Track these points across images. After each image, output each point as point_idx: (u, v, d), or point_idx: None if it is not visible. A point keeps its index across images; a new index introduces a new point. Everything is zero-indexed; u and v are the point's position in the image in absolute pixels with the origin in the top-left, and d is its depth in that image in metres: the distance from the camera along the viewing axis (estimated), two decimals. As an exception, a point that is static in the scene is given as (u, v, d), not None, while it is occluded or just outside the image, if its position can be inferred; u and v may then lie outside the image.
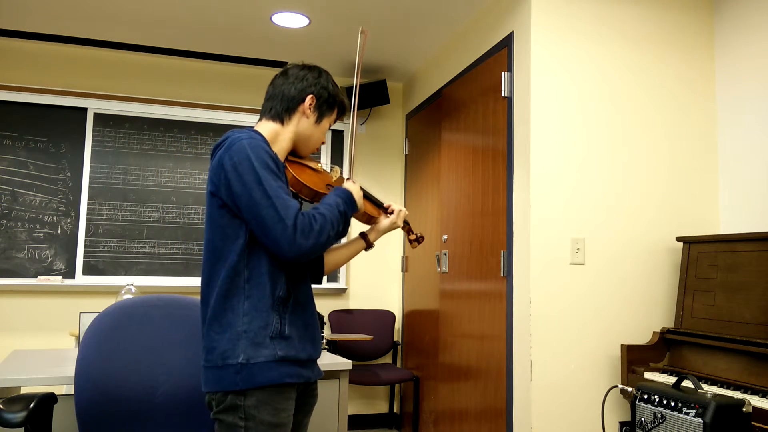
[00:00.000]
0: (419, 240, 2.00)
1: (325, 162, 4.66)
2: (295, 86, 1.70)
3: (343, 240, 1.87)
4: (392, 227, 1.88)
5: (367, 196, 1.87)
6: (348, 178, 1.79)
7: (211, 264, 1.56)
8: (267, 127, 1.69)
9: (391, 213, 1.89)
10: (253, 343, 1.50)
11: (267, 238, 1.48)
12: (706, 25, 3.23)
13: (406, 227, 1.99)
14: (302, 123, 1.71)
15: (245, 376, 1.49)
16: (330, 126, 1.79)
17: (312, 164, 1.78)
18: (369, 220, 1.85)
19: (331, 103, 1.75)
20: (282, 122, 1.69)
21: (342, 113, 1.81)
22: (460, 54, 3.79)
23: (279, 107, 1.70)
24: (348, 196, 1.66)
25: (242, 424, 1.49)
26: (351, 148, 1.88)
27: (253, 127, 1.69)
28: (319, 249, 1.53)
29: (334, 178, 1.81)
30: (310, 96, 1.70)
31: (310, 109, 1.70)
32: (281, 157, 1.70)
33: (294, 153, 1.76)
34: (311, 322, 1.66)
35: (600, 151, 3.00)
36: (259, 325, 1.52)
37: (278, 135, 1.69)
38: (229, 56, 4.43)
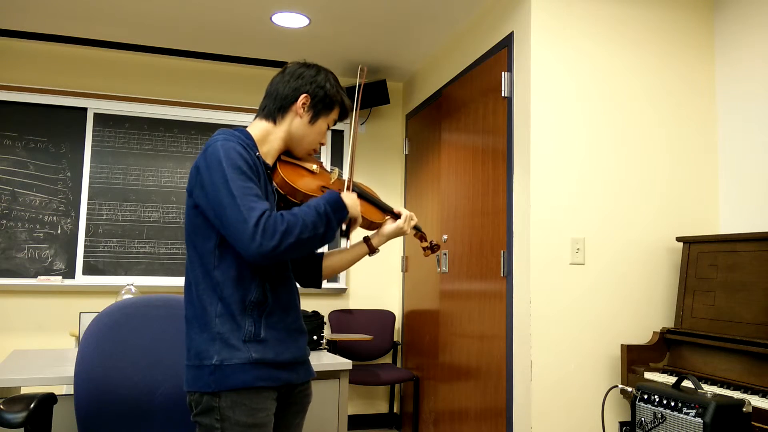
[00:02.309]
0: (433, 248, 1.89)
1: (325, 162, 4.67)
2: (289, 85, 1.65)
3: (344, 244, 1.79)
4: (398, 233, 1.79)
5: (369, 199, 1.79)
6: (346, 178, 1.72)
7: (190, 263, 1.55)
8: (258, 127, 1.64)
9: (399, 217, 1.80)
10: (227, 345, 1.48)
11: (231, 239, 1.44)
12: (706, 25, 3.23)
13: (418, 234, 1.90)
14: (295, 123, 1.65)
15: (218, 377, 1.46)
16: (329, 127, 1.71)
17: (308, 165, 1.71)
18: (370, 225, 1.77)
19: (328, 103, 1.67)
20: (274, 121, 1.64)
21: (343, 114, 1.73)
22: (460, 54, 3.79)
23: (272, 106, 1.65)
24: (335, 199, 1.56)
25: (218, 425, 1.46)
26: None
27: (245, 126, 1.65)
28: (288, 251, 1.44)
29: (332, 180, 1.73)
30: (304, 95, 1.64)
31: (303, 108, 1.64)
32: (271, 157, 1.64)
33: (290, 153, 1.70)
34: (295, 325, 1.61)
35: (600, 151, 3.00)
36: (232, 328, 1.49)
37: (269, 134, 1.64)
38: (229, 56, 4.43)
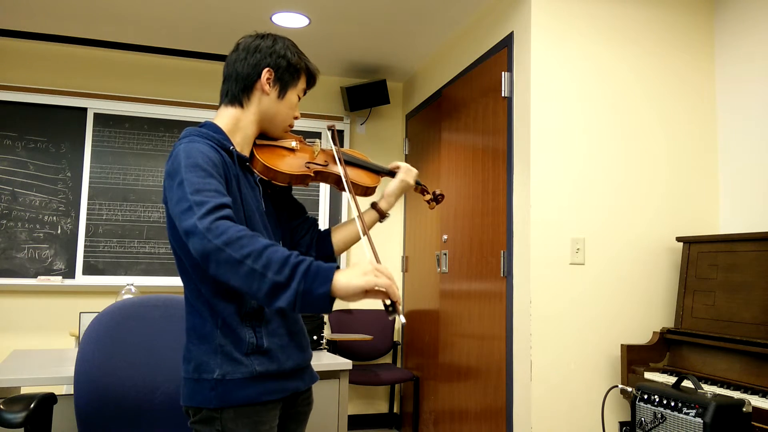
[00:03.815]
0: (437, 199, 1.77)
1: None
2: (247, 61, 1.50)
3: (398, 322, 1.58)
4: (403, 187, 1.67)
5: (359, 165, 1.67)
6: (333, 148, 1.58)
7: (181, 275, 1.46)
8: (226, 115, 1.50)
9: (395, 174, 1.67)
10: (230, 358, 1.38)
11: (183, 236, 1.27)
12: (706, 25, 3.23)
13: (419, 188, 1.78)
14: (264, 102, 1.51)
15: (220, 393, 1.37)
16: (300, 98, 1.57)
17: (285, 143, 1.57)
18: (367, 191, 1.64)
19: (293, 72, 1.53)
20: (241, 105, 1.50)
21: (311, 81, 1.59)
22: (460, 54, 3.79)
23: (235, 89, 1.50)
24: (327, 267, 1.21)
25: None
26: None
27: (212, 119, 1.52)
28: (223, 259, 1.20)
29: (316, 153, 1.60)
30: (266, 69, 1.50)
31: (268, 84, 1.50)
32: (248, 144, 1.52)
33: (266, 136, 1.56)
34: (296, 327, 1.51)
35: (600, 151, 3.00)
36: (233, 340, 1.39)
37: (239, 121, 1.50)
38: (229, 56, 4.43)
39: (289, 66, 1.53)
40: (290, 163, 1.52)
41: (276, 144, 1.56)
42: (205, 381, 1.38)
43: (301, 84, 1.57)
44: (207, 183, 1.30)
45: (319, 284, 1.19)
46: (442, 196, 1.79)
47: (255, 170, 1.52)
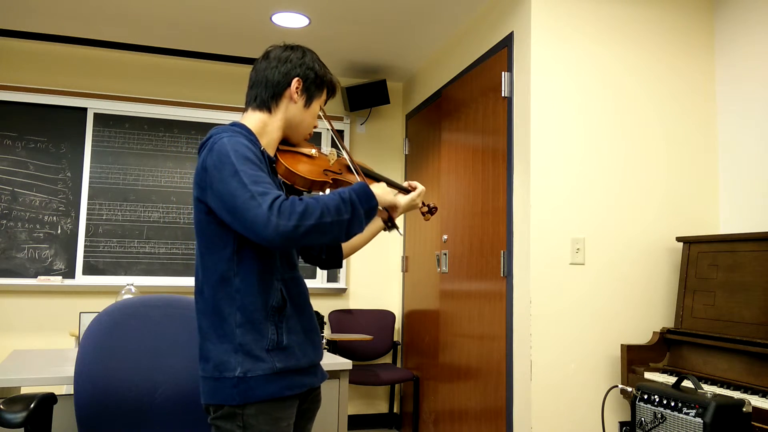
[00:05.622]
0: (431, 211, 1.87)
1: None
2: (278, 70, 1.58)
3: (397, 234, 1.75)
4: (412, 205, 1.74)
5: (371, 176, 1.76)
6: (346, 156, 1.69)
7: (202, 272, 1.49)
8: (254, 118, 1.58)
9: (411, 191, 1.76)
10: (250, 356, 1.43)
11: (244, 227, 1.36)
12: (706, 25, 3.23)
13: (424, 207, 1.89)
14: (291, 109, 1.59)
15: (242, 390, 1.42)
16: (321, 108, 1.67)
17: (306, 150, 1.66)
18: None
19: (319, 83, 1.63)
20: (269, 111, 1.58)
21: (332, 93, 1.70)
22: (460, 54, 3.79)
23: (264, 95, 1.58)
24: (361, 186, 1.48)
25: None
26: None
27: (239, 120, 1.59)
28: (309, 233, 1.36)
29: (331, 162, 1.69)
30: (296, 79, 1.59)
31: (297, 93, 1.59)
32: (272, 148, 1.60)
33: (286, 141, 1.65)
34: (310, 325, 1.58)
35: (600, 151, 3.00)
36: (255, 337, 1.44)
37: (266, 125, 1.58)
38: (229, 56, 4.43)
39: (317, 78, 1.62)
40: (310, 170, 1.60)
41: (297, 150, 1.65)
42: (227, 379, 1.43)
43: (324, 95, 1.67)
44: (261, 176, 1.40)
45: (369, 200, 1.49)
46: (436, 208, 1.89)
47: (278, 173, 1.59)
